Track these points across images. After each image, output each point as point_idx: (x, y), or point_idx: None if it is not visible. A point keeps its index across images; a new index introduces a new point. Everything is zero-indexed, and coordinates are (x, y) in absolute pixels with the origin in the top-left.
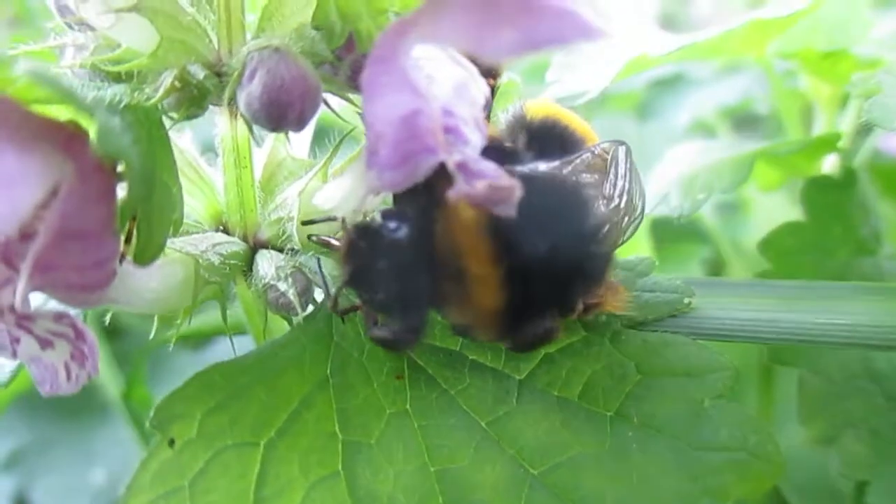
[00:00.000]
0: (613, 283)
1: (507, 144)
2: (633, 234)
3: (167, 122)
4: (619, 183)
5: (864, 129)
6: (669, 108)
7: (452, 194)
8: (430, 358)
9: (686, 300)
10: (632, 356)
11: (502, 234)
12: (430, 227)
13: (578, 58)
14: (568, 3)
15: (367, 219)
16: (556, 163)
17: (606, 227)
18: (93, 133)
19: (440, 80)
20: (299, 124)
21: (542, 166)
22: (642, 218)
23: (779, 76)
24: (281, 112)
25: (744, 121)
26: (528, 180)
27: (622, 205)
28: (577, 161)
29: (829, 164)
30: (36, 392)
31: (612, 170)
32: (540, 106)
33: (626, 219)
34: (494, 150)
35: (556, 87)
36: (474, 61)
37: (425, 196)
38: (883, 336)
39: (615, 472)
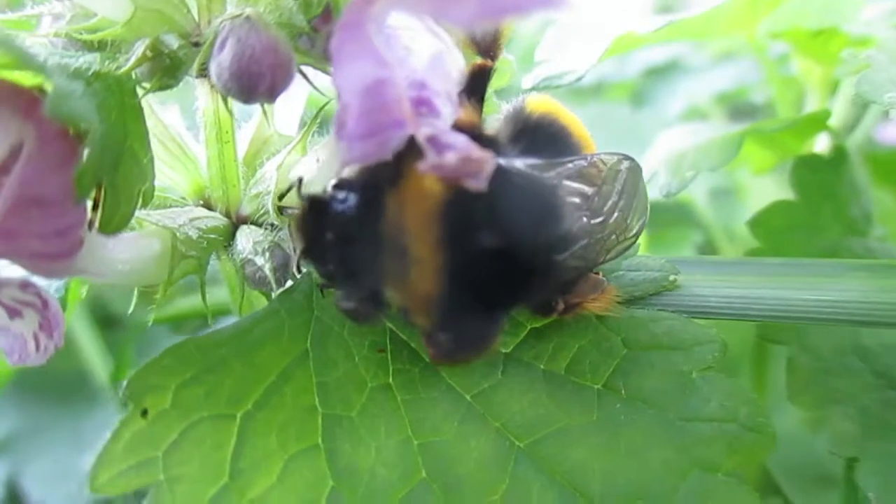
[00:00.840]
0: (600, 281)
1: (488, 133)
2: (619, 254)
3: (141, 92)
4: (613, 198)
5: (857, 111)
6: (663, 95)
7: (423, 166)
8: (413, 332)
9: (671, 277)
10: (619, 331)
11: (452, 223)
12: (381, 201)
13: (567, 37)
14: None
15: (320, 191)
16: (539, 162)
17: (582, 242)
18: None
19: (416, 50)
20: (270, 96)
21: (519, 163)
22: (635, 241)
23: (772, 61)
24: (251, 83)
25: (740, 110)
26: (498, 173)
27: (610, 221)
28: (568, 166)
29: (821, 146)
30: (26, 379)
31: (609, 183)
32: (541, 102)
33: (614, 237)
34: (472, 137)
35: (544, 67)
36: (474, 43)
37: (384, 169)
38: (868, 312)
39: (603, 444)
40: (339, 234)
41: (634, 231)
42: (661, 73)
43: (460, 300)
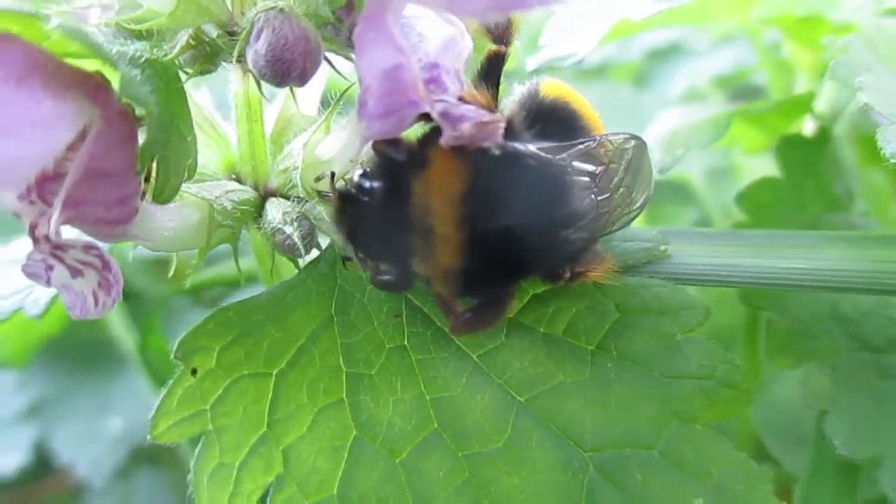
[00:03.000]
0: (600, 251)
1: (505, 116)
2: (624, 225)
3: (183, 77)
4: (619, 175)
5: (847, 95)
6: (665, 77)
7: (443, 141)
8: (426, 299)
9: (662, 247)
10: (612, 297)
11: (473, 204)
12: (407, 187)
13: (568, 24)
14: None
15: (347, 185)
16: (550, 145)
17: (590, 217)
18: (116, 83)
19: (430, 37)
20: (302, 80)
21: (533, 147)
22: (640, 211)
23: (766, 46)
24: (284, 69)
25: (741, 92)
26: (512, 157)
27: (616, 196)
28: (577, 147)
29: (809, 127)
30: (56, 345)
31: (616, 162)
32: (554, 86)
33: (619, 209)
34: None
35: (546, 51)
36: (488, 31)
37: (408, 157)
38: (839, 279)
39: (595, 398)
40: (370, 221)
41: (639, 203)
42: (663, 56)
43: (480, 272)
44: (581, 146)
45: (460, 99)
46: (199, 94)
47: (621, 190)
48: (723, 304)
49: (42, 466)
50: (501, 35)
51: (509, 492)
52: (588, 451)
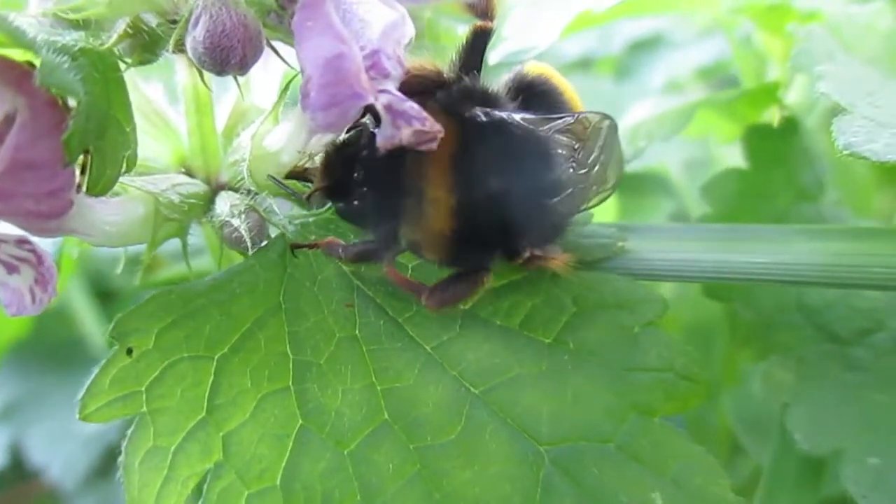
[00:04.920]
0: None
1: (489, 90)
2: (598, 203)
3: (123, 67)
4: (595, 153)
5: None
6: (646, 69)
7: (379, 142)
8: (378, 289)
9: (619, 244)
10: (569, 291)
11: (465, 169)
12: (402, 150)
13: (531, 15)
14: None
15: (344, 136)
16: (534, 117)
17: (569, 190)
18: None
19: (372, 22)
20: (242, 68)
21: (518, 116)
22: (613, 191)
23: (740, 38)
24: (224, 56)
25: (722, 83)
26: (500, 125)
27: (592, 173)
28: (558, 121)
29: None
30: (26, 348)
31: (592, 140)
32: (537, 66)
33: (594, 188)
34: (479, 94)
35: (508, 43)
36: (470, 7)
37: None
38: (801, 273)
39: (551, 391)
40: (366, 174)
41: (612, 183)
42: (644, 48)
43: (471, 237)
44: (561, 121)
45: (407, 72)
46: (150, 86)
47: (597, 167)
48: (704, 300)
49: (20, 469)
50: (484, 9)
51: (462, 485)
52: (544, 444)
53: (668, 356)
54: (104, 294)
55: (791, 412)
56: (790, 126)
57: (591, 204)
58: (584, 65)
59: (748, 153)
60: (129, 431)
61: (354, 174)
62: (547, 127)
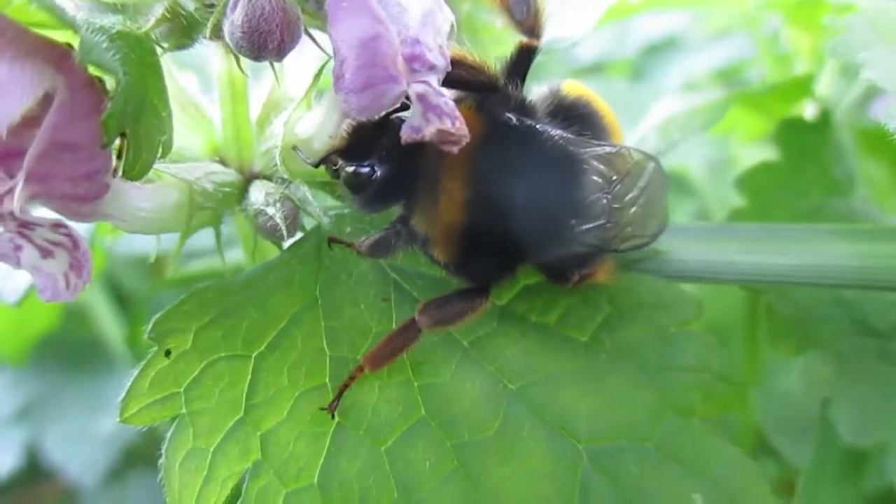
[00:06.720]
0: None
1: (528, 102)
2: (631, 249)
3: (160, 52)
4: (634, 192)
5: (847, 80)
6: (661, 72)
7: (404, 133)
8: (415, 283)
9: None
10: (604, 291)
11: (483, 164)
12: None
13: (563, 7)
14: None
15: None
16: (572, 137)
17: (600, 221)
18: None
19: (409, 8)
20: (280, 53)
21: (553, 131)
22: (651, 241)
23: (767, 37)
24: (262, 41)
25: (738, 86)
26: (530, 132)
27: (629, 212)
28: (597, 148)
29: (809, 113)
30: (46, 345)
31: (633, 177)
32: (576, 87)
33: (630, 230)
34: (518, 103)
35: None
36: (517, 23)
37: None
38: (836, 276)
39: (589, 389)
40: (390, 144)
41: (650, 232)
42: (659, 51)
43: (480, 239)
44: (600, 149)
45: (451, 60)
46: (185, 76)
47: (635, 209)
48: (720, 296)
49: (35, 469)
50: (531, 26)
51: (499, 482)
52: (582, 442)
53: (705, 357)
54: (119, 296)
55: (833, 406)
56: (823, 120)
57: (622, 247)
58: (595, 68)
59: (781, 147)
60: (168, 434)
61: (379, 141)
62: (584, 150)
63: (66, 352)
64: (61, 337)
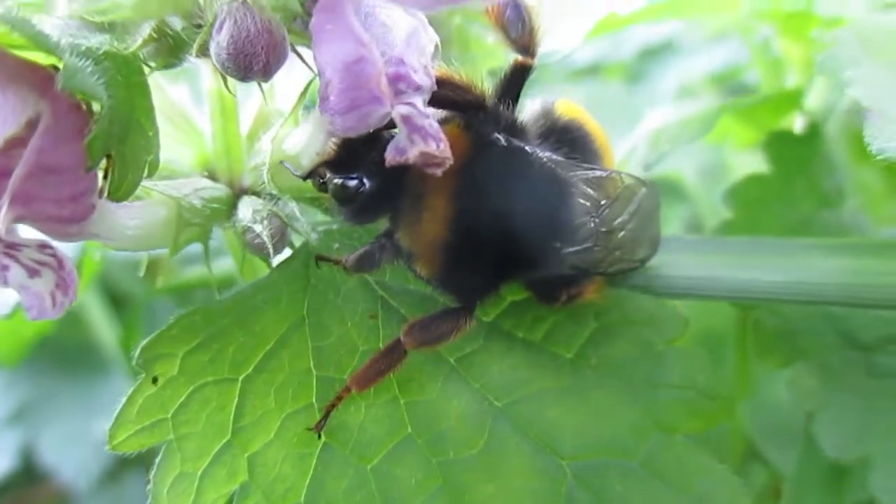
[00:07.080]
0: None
1: (520, 124)
2: (620, 273)
3: (147, 71)
4: (624, 217)
5: (839, 91)
6: (657, 76)
7: (388, 154)
8: (402, 299)
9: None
10: (591, 308)
11: (467, 182)
12: None
13: (554, 20)
14: None
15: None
16: (561, 160)
17: (587, 244)
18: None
19: (393, 27)
20: (265, 75)
21: (542, 153)
22: (639, 266)
23: (759, 44)
24: (247, 62)
25: (733, 90)
26: (517, 153)
27: (618, 237)
28: (587, 172)
29: (800, 124)
30: (39, 351)
31: (622, 202)
32: (570, 107)
33: (618, 254)
34: (507, 123)
35: None
36: (511, 41)
37: None
38: (823, 293)
39: (574, 406)
40: (377, 158)
41: (640, 257)
42: (655, 55)
43: (463, 256)
44: (590, 172)
45: (437, 80)
46: (176, 89)
47: (624, 233)
48: (711, 306)
49: (30, 471)
50: (526, 45)
51: (485, 499)
52: (566, 458)
53: (690, 374)
54: (114, 299)
55: (817, 420)
56: (812, 132)
57: (611, 270)
58: (591, 71)
59: (771, 159)
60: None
61: (368, 154)
62: (573, 173)
63: (61, 354)
64: (56, 340)
